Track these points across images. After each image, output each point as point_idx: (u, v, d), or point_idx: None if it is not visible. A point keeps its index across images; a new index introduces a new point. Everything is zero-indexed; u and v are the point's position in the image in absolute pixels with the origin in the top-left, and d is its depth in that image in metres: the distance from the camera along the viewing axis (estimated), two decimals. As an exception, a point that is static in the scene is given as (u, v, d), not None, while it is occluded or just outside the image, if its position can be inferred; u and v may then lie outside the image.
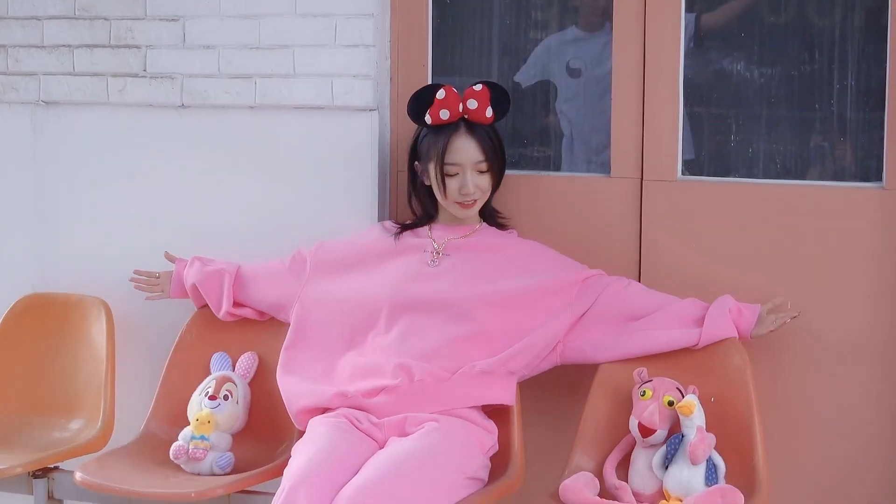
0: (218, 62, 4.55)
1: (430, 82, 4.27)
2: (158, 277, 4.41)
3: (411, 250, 4.07)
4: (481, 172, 4.00)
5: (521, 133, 4.44)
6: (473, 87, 4.00)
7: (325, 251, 4.16)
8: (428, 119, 4.01)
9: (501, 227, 4.15)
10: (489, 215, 4.15)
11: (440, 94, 4.00)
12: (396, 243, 4.10)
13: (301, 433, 3.85)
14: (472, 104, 3.99)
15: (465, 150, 3.99)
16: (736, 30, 4.18)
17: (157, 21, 4.60)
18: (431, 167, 4.01)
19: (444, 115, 4.00)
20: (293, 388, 3.95)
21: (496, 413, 3.90)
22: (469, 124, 4.01)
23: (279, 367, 4.03)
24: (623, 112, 4.16)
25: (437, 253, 4.05)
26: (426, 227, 4.13)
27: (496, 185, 4.10)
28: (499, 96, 4.03)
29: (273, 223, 4.52)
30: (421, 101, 4.05)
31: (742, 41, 4.17)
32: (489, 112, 4.00)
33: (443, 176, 4.00)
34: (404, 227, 4.15)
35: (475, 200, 4.02)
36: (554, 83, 4.43)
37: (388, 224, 4.20)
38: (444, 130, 4.02)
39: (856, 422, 3.99)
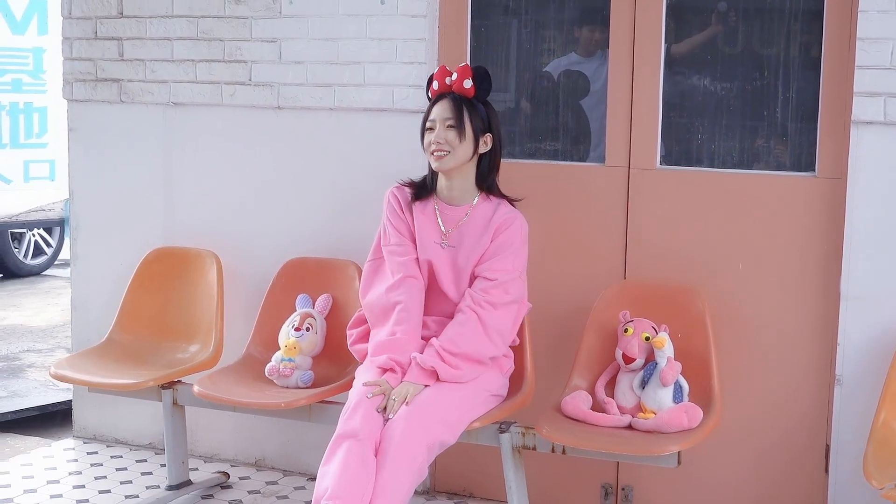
0: (306, 74, 4.61)
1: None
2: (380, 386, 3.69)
3: (426, 243, 3.89)
4: (449, 127, 3.79)
5: (536, 131, 4.51)
6: (459, 65, 3.93)
7: (387, 255, 3.95)
8: (429, 93, 3.93)
9: (498, 195, 3.93)
10: (490, 190, 3.92)
11: (436, 70, 3.95)
12: (415, 227, 3.90)
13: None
14: (454, 76, 3.85)
15: (440, 109, 3.84)
16: (701, 56, 4.24)
17: (259, 42, 4.68)
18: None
19: (435, 85, 3.89)
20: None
21: (513, 345, 3.96)
22: (454, 95, 3.85)
23: (349, 325, 4.04)
24: (616, 116, 4.24)
25: (445, 241, 3.86)
26: (434, 207, 3.93)
27: (490, 161, 3.87)
28: (482, 77, 3.86)
29: (344, 195, 4.59)
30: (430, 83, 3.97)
31: (706, 64, 4.24)
32: (467, 83, 3.82)
33: (423, 131, 3.88)
34: (414, 196, 3.93)
35: (446, 153, 3.80)
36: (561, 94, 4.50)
37: (397, 192, 3.97)
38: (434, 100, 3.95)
39: (791, 356, 4.06)
